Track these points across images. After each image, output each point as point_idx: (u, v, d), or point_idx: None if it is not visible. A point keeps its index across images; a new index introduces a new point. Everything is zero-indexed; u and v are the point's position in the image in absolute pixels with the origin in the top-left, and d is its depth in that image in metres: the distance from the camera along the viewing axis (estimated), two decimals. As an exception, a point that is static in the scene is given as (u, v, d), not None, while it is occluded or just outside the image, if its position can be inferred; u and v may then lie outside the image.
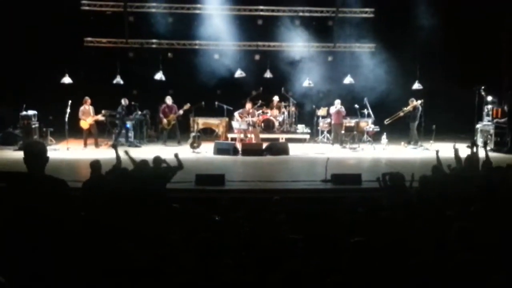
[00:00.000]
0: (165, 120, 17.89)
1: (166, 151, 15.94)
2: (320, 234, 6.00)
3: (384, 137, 17.46)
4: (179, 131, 18.13)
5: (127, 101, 17.80)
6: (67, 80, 18.84)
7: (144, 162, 9.08)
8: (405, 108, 17.80)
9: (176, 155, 9.76)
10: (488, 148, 15.84)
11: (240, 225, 6.80)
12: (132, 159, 9.43)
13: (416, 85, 19.62)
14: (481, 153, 10.48)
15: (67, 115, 16.31)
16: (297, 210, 8.41)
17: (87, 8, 20.16)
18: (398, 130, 18.37)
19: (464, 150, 10.50)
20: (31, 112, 16.96)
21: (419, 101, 17.69)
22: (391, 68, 18.86)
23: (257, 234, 6.16)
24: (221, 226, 6.23)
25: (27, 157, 4.56)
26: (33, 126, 16.80)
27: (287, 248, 5.46)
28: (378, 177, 9.32)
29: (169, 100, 18.09)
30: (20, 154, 4.62)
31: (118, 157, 9.36)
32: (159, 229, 5.62)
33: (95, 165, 8.85)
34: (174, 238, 4.91)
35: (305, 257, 5.09)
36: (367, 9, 20.70)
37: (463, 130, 18.15)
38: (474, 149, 10.25)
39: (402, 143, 17.95)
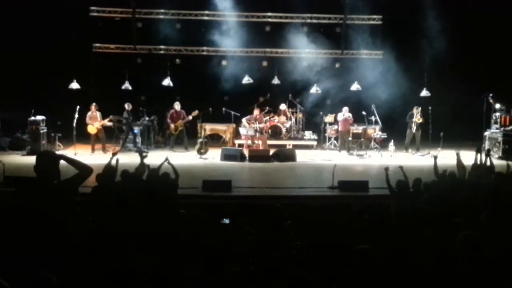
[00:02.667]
0: (172, 126, 17.93)
1: (173, 157, 16.03)
2: (326, 241, 5.98)
3: (391, 144, 17.43)
4: (186, 137, 18.17)
5: (130, 106, 17.85)
6: (75, 85, 18.94)
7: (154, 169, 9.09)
8: (418, 116, 17.78)
9: (167, 161, 9.60)
10: (496, 156, 15.86)
11: (246, 231, 6.80)
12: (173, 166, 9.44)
13: (424, 92, 19.59)
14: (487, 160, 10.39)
15: (75, 121, 16.42)
16: (304, 217, 8.39)
17: (95, 14, 20.30)
18: (405, 137, 18.30)
19: (470, 157, 10.43)
20: (39, 117, 17.04)
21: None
22: (399, 75, 18.83)
23: (263, 240, 6.15)
24: (228, 232, 6.23)
25: (39, 167, 4.61)
26: (41, 131, 16.87)
27: (293, 255, 5.45)
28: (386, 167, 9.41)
29: (177, 105, 18.14)
30: (28, 159, 4.68)
31: (142, 163, 9.37)
32: (166, 235, 5.63)
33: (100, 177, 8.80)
34: (181, 245, 4.92)
35: (311, 264, 5.08)
36: (375, 16, 20.70)
37: (471, 138, 18.06)
38: (481, 156, 10.19)
39: (410, 150, 17.93)
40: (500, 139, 17.01)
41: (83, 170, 4.89)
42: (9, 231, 4.55)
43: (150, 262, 4.33)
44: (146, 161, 9.80)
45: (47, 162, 4.67)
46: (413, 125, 17.78)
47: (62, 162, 4.85)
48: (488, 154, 10.27)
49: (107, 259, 4.77)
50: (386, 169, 9.49)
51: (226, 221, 6.78)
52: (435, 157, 10.37)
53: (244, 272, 4.60)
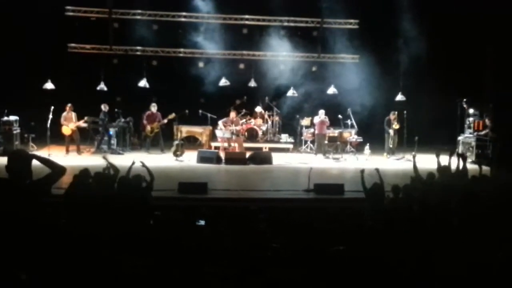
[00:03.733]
0: (148, 127, 17.82)
1: (149, 159, 15.91)
2: (301, 243, 5.98)
3: (367, 148, 17.56)
4: (163, 139, 18.07)
5: (107, 107, 17.66)
6: (49, 85, 18.71)
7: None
8: (395, 123, 17.94)
9: (142, 164, 9.18)
10: (469, 160, 16.05)
11: (222, 233, 6.77)
12: (112, 165, 9.15)
13: (399, 97, 19.79)
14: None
15: (49, 121, 16.20)
16: (280, 219, 8.39)
17: (71, 14, 20.02)
18: (381, 141, 18.43)
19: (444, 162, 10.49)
20: (12, 118, 16.80)
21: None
22: (375, 79, 19.02)
23: (239, 242, 6.13)
24: (204, 234, 6.20)
25: (11, 167, 4.54)
26: (15, 131, 16.65)
27: (269, 256, 5.44)
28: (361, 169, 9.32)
29: (154, 107, 18.02)
30: (0, 160, 4.58)
31: (113, 166, 9.07)
32: (142, 236, 5.58)
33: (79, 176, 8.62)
34: (157, 246, 4.88)
35: (286, 266, 5.07)
36: (351, 20, 20.80)
37: (445, 142, 18.24)
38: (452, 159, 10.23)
39: (385, 154, 18.06)
40: (473, 143, 17.24)
41: (56, 170, 4.81)
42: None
43: (127, 264, 4.28)
44: (120, 163, 9.59)
45: (19, 162, 4.59)
46: (390, 131, 17.88)
47: (35, 162, 4.77)
48: (464, 159, 10.30)
49: (82, 261, 4.71)
50: (362, 171, 9.43)
51: (202, 222, 6.74)
52: (414, 156, 10.36)
53: (220, 273, 4.58)
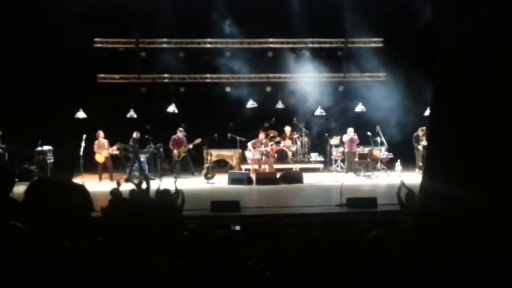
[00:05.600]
0: (175, 152, 17.94)
1: (180, 182, 15.98)
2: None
3: (398, 164, 17.39)
4: (192, 163, 18.19)
5: (138, 134, 17.89)
6: (81, 114, 19.04)
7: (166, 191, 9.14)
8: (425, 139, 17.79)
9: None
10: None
11: (257, 245, 6.75)
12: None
13: (428, 112, 19.57)
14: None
15: (81, 149, 16.42)
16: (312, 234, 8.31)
17: (100, 45, 20.53)
18: (413, 157, 18.25)
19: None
20: (46, 148, 17.11)
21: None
22: (403, 95, 18.83)
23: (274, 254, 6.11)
24: (240, 239, 6.19)
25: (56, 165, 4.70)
26: (49, 161, 16.90)
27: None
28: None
29: (180, 132, 18.18)
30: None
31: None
32: (176, 246, 5.62)
33: (115, 192, 8.85)
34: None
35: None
36: (376, 39, 20.85)
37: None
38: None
39: (417, 169, 17.85)
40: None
41: None
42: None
43: (161, 266, 4.32)
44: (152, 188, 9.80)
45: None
46: (419, 147, 17.73)
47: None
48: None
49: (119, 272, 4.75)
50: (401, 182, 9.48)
51: (237, 227, 6.76)
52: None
53: (256, 267, 4.58)
